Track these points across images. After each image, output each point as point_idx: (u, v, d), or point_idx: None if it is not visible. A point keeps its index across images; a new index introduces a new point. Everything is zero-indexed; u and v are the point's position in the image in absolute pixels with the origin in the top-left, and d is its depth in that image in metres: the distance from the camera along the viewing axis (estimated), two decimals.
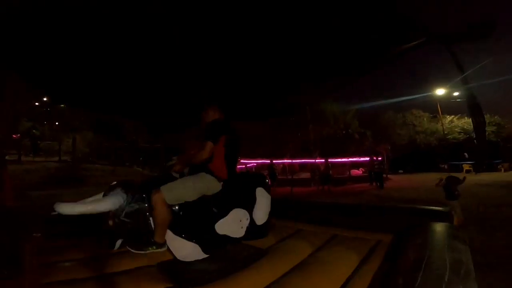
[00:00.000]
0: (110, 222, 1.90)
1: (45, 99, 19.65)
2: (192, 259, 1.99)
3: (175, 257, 2.10)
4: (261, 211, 2.37)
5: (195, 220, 2.05)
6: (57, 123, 20.69)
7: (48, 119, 20.67)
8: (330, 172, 11.48)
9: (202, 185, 2.10)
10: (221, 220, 2.12)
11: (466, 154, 17.00)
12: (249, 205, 2.29)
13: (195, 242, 2.01)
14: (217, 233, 2.10)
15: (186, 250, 2.00)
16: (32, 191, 9.27)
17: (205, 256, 2.04)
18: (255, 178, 2.67)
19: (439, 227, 1.81)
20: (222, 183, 2.22)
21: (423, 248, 1.48)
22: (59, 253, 2.35)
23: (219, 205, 2.15)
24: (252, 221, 2.28)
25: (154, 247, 1.93)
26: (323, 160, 11.93)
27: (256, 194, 2.33)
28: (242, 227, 2.22)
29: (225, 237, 2.14)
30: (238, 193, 2.30)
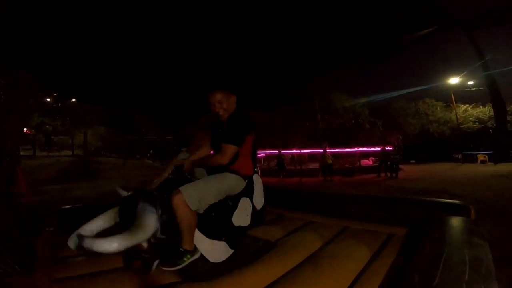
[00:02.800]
0: (145, 245, 1.66)
1: (56, 94, 20.08)
2: (224, 258, 1.92)
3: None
4: (259, 196, 2.33)
5: (220, 217, 1.98)
6: (68, 118, 21.15)
7: (60, 114, 21.14)
8: (331, 162, 11.29)
9: (226, 187, 1.97)
10: (235, 212, 2.08)
11: None
12: (250, 192, 2.24)
13: (224, 240, 1.96)
14: (234, 226, 2.06)
15: (218, 250, 1.93)
16: (47, 185, 9.55)
17: (232, 251, 1.99)
18: None
19: (456, 221, 1.73)
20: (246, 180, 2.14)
21: (440, 244, 1.41)
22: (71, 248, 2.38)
23: (232, 198, 2.10)
24: (253, 207, 2.25)
25: (189, 256, 1.74)
26: (322, 151, 11.79)
27: (253, 179, 2.27)
28: (248, 215, 2.18)
29: (240, 228, 2.11)
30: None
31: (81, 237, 1.48)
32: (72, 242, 1.60)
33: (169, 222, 1.67)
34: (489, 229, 3.83)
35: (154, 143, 21.61)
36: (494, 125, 18.33)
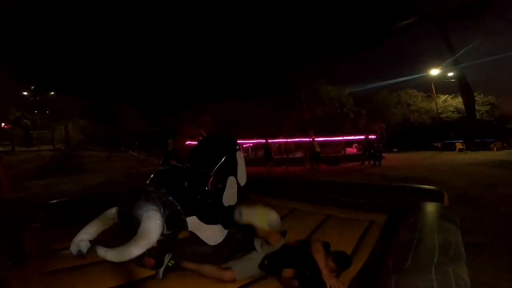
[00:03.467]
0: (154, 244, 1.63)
1: (33, 87, 19.24)
2: (221, 240, 2.00)
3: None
4: (242, 173, 2.38)
5: (215, 203, 2.03)
6: (47, 112, 20.37)
7: (38, 108, 20.32)
8: (318, 150, 11.56)
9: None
10: (224, 193, 2.11)
11: None
12: (235, 170, 2.29)
13: (220, 223, 2.04)
14: (225, 207, 2.12)
15: (216, 234, 2.00)
16: (30, 180, 9.26)
17: (226, 232, 2.08)
18: (227, 139, 2.54)
19: (430, 207, 1.86)
20: None
21: (414, 230, 1.53)
22: (59, 242, 2.34)
23: (221, 180, 2.12)
24: (238, 185, 2.30)
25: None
26: (310, 139, 12.03)
27: (237, 156, 2.33)
28: (234, 193, 2.23)
29: (229, 207, 2.16)
30: (230, 162, 2.26)
31: (94, 245, 1.49)
32: (75, 249, 1.57)
33: (172, 217, 1.68)
34: (464, 215, 4.08)
35: (139, 135, 21.23)
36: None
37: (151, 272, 1.77)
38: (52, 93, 19.41)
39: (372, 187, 3.12)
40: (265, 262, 1.79)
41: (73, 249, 1.56)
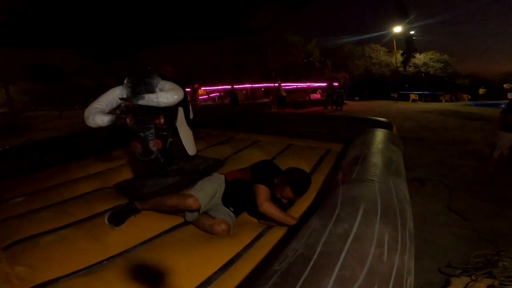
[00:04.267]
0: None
1: None
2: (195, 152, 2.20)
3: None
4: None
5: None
6: None
7: None
8: (284, 94, 11.83)
9: None
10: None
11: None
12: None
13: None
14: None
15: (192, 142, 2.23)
16: None
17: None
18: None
19: (380, 132, 2.00)
20: None
21: (362, 148, 1.64)
22: (9, 191, 2.23)
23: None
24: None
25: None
26: (277, 85, 12.20)
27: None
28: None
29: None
30: None
31: (144, 94, 1.65)
32: (100, 117, 1.65)
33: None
34: (410, 153, 4.54)
35: (94, 90, 19.31)
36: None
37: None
38: None
39: (331, 118, 3.25)
40: (231, 209, 1.74)
41: (95, 119, 1.63)
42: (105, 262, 1.38)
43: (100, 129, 1.68)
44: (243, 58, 19.41)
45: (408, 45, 22.16)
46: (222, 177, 1.83)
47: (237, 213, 1.75)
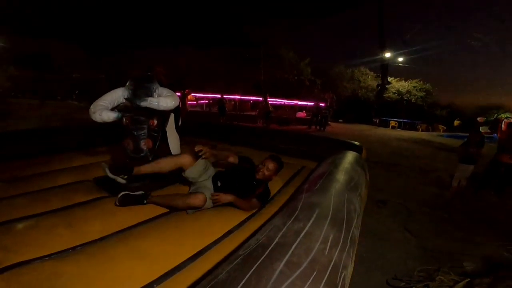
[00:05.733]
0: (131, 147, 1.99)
1: None
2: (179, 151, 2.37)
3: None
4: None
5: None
6: None
7: None
8: (271, 109, 12.07)
9: None
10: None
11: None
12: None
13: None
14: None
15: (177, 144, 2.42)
16: None
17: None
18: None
19: (349, 154, 2.22)
20: None
21: (329, 166, 1.83)
22: None
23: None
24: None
25: None
26: (262, 99, 12.43)
27: None
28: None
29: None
30: None
31: (147, 98, 1.88)
32: (107, 114, 1.84)
33: None
34: (379, 176, 4.83)
35: (81, 83, 18.89)
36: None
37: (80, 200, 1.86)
38: None
39: (311, 138, 3.48)
40: (218, 184, 1.99)
41: (101, 115, 1.81)
42: (78, 248, 1.42)
43: (83, 124, 1.83)
44: (235, 67, 19.64)
45: (382, 75, 22.84)
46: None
47: (224, 189, 1.94)
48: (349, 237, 1.05)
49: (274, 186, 2.28)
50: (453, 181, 4.33)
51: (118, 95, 1.95)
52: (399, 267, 2.19)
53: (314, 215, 1.07)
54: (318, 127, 12.09)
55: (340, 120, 20.02)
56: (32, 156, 2.75)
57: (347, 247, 0.99)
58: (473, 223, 3.33)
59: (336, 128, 13.78)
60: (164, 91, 1.98)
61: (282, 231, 0.97)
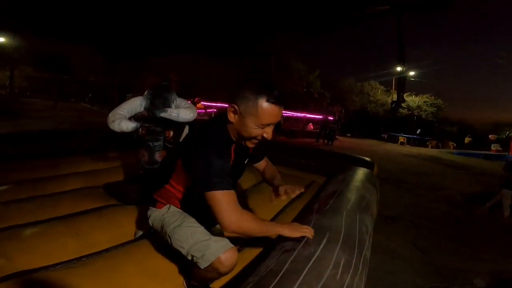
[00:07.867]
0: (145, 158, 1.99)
1: None
2: None
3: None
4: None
5: None
6: None
7: None
8: (281, 122, 12.01)
9: None
10: None
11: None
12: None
13: None
14: None
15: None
16: None
17: None
18: None
19: (360, 171, 2.17)
20: None
21: (341, 184, 1.80)
22: None
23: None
24: None
25: None
26: None
27: None
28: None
29: None
30: None
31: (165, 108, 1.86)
32: (126, 123, 1.82)
33: None
34: (387, 193, 4.73)
35: (95, 87, 19.34)
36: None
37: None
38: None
39: (320, 152, 3.44)
40: None
41: (120, 125, 1.80)
42: (83, 259, 1.36)
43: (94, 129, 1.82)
44: (245, 78, 19.76)
45: (398, 91, 22.82)
46: None
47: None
48: (361, 261, 1.02)
49: (282, 201, 2.23)
50: (504, 211, 4.11)
51: (136, 104, 1.94)
52: (409, 285, 2.11)
53: (325, 239, 1.04)
54: (326, 141, 11.98)
55: (348, 134, 19.84)
56: (40, 157, 2.73)
57: (359, 270, 0.96)
58: (483, 242, 3.28)
59: (344, 142, 13.65)
60: (182, 102, 1.99)
61: (292, 256, 0.95)
